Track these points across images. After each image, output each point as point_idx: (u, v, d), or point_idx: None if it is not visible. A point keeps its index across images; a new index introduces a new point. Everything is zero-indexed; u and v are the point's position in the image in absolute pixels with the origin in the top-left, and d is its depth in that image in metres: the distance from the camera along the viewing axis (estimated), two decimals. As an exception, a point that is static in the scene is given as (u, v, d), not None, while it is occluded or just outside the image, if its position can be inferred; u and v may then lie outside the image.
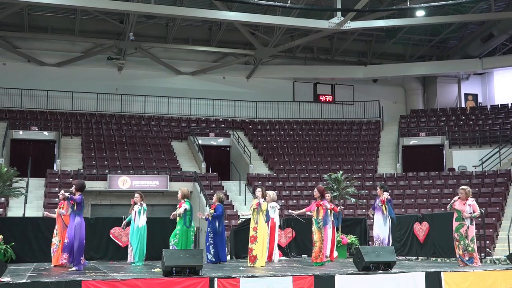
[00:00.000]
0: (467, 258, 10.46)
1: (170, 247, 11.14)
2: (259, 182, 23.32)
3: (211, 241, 12.20)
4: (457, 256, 10.65)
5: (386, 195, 12.17)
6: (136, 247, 11.73)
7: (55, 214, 11.59)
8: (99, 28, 27.81)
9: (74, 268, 9.71)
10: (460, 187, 10.94)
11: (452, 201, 10.79)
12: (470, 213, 10.59)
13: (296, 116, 30.58)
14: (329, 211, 11.63)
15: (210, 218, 12.25)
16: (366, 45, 31.83)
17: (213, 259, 12.10)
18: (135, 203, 12.04)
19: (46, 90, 27.15)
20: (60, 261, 10.59)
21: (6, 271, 8.14)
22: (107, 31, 27.98)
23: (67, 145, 24.98)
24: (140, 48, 27.94)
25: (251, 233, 11.11)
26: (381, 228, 12.19)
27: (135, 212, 11.97)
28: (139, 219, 11.85)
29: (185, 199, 11.42)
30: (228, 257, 13.25)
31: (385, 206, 12.10)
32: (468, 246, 10.49)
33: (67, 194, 10.15)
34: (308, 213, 11.89)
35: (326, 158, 26.59)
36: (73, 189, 10.05)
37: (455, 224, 10.69)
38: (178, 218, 11.34)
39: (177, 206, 11.49)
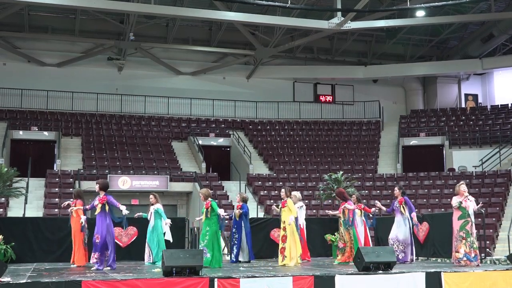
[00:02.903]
0: (473, 255, 10.45)
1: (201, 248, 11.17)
2: (259, 182, 23.35)
3: (235, 242, 12.37)
4: (460, 255, 10.51)
5: (409, 206, 12.21)
6: (155, 247, 11.97)
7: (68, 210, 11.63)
8: (99, 28, 27.82)
9: (108, 268, 9.94)
10: (462, 184, 10.85)
11: (461, 200, 10.61)
12: (475, 206, 10.66)
13: (296, 116, 30.58)
14: (357, 211, 11.86)
15: (237, 219, 12.35)
16: (366, 45, 31.84)
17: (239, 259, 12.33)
18: (152, 204, 12.19)
19: (46, 90, 27.15)
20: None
21: (6, 271, 8.14)
22: (107, 31, 27.98)
23: (67, 145, 24.98)
24: (140, 48, 27.95)
25: (281, 232, 11.47)
26: (400, 229, 12.18)
27: (151, 213, 12.13)
28: (157, 220, 12.08)
29: (210, 199, 11.39)
30: (228, 257, 13.26)
31: (403, 207, 12.15)
32: (473, 243, 10.50)
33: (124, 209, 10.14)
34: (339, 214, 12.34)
35: (326, 158, 26.59)
36: (97, 188, 10.30)
37: (458, 222, 10.61)
38: (204, 219, 11.34)
39: (204, 207, 11.44)
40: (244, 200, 12.59)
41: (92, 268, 10.05)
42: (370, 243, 13.00)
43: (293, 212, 11.44)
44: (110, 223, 10.18)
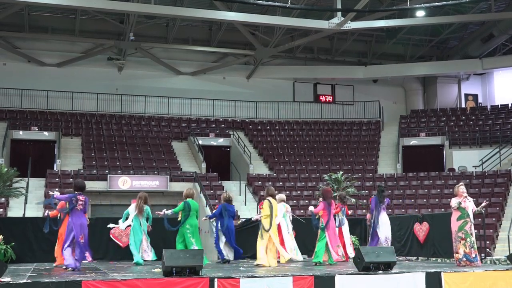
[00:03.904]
0: (473, 256, 10.44)
1: None
2: (259, 182, 23.34)
3: (215, 241, 12.42)
4: (460, 256, 10.49)
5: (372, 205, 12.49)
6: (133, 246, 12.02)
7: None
8: (99, 28, 27.82)
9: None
10: (461, 185, 10.84)
11: (460, 201, 10.64)
12: (474, 206, 10.68)
13: (296, 116, 30.58)
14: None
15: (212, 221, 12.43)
16: (366, 46, 31.84)
17: (219, 259, 12.36)
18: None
19: (46, 90, 27.15)
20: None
21: (6, 271, 8.14)
22: (107, 31, 27.98)
23: (67, 145, 24.98)
24: (140, 48, 27.95)
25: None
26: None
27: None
28: (134, 220, 12.16)
29: (187, 200, 11.46)
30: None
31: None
32: (473, 244, 10.50)
33: (51, 193, 10.49)
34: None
35: (326, 158, 26.59)
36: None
37: (457, 223, 10.60)
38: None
39: None
40: (226, 200, 12.44)
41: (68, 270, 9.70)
42: (346, 242, 12.86)
43: (264, 213, 11.26)
44: (73, 221, 9.89)
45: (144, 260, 11.93)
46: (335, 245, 11.38)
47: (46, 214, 11.46)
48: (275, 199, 11.72)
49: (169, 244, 12.35)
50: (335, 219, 12.00)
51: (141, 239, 12.01)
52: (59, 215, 11.35)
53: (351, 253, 12.90)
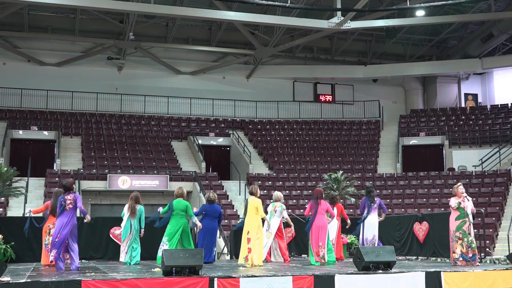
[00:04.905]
0: (470, 255, 10.43)
1: None
2: (259, 182, 23.34)
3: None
4: (457, 256, 10.51)
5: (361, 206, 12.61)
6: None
7: None
8: (99, 28, 27.82)
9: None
10: (460, 185, 10.84)
11: (460, 201, 10.62)
12: (473, 207, 10.69)
13: (296, 116, 30.58)
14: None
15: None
16: (366, 45, 31.84)
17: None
18: None
19: (46, 90, 27.15)
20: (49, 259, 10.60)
21: (6, 270, 8.14)
22: (107, 31, 27.98)
23: (67, 145, 24.98)
24: (140, 48, 27.94)
25: None
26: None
27: None
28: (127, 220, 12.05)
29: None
30: (228, 257, 13.21)
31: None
32: (471, 243, 10.49)
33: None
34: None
35: (326, 158, 26.59)
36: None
37: (456, 223, 10.61)
38: None
39: None
40: (208, 201, 12.22)
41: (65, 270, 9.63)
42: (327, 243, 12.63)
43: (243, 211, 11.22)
44: (57, 220, 9.92)
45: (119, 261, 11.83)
46: (316, 245, 11.18)
47: (28, 211, 11.41)
48: (268, 199, 11.71)
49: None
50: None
51: (124, 239, 11.84)
52: (43, 213, 11.36)
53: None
